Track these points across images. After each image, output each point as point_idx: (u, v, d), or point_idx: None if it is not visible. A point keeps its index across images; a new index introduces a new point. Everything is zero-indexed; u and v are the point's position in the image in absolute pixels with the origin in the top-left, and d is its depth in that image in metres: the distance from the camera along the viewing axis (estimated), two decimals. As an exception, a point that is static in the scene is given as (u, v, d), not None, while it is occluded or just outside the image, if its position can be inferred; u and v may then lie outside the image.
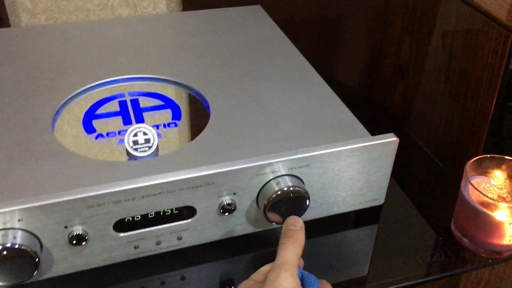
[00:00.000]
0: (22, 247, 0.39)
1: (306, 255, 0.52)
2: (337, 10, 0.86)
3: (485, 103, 0.59)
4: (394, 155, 0.50)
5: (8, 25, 0.80)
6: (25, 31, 0.67)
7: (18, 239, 0.39)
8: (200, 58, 0.62)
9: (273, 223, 0.48)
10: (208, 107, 0.53)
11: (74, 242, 0.42)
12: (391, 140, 0.49)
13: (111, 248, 0.44)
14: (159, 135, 0.49)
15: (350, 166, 0.49)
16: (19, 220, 0.39)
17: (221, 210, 0.46)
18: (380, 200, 0.53)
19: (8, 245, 0.39)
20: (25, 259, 0.40)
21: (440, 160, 0.67)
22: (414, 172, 0.66)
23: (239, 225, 0.48)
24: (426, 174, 0.66)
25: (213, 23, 0.70)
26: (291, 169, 0.46)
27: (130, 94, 0.55)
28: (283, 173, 0.46)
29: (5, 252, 0.39)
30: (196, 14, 0.74)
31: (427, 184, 0.64)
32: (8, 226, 0.39)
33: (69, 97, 0.53)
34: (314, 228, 0.55)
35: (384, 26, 0.81)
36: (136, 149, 0.45)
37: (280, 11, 0.82)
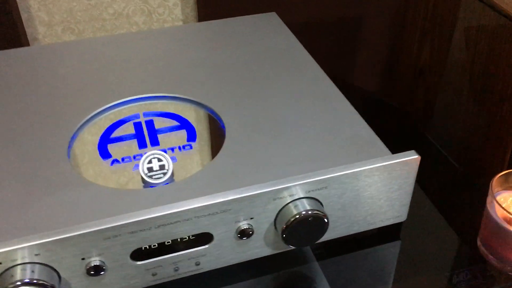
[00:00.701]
0: (40, 282, 0.39)
1: (327, 273, 0.51)
2: (354, 12, 0.84)
3: (511, 109, 0.57)
4: (416, 172, 0.49)
5: (26, 38, 0.81)
6: (36, 51, 0.67)
7: (36, 273, 0.39)
8: (215, 74, 0.61)
9: (291, 246, 0.47)
10: (224, 127, 0.52)
11: (92, 273, 0.42)
12: (412, 158, 0.47)
13: (129, 277, 0.44)
14: (174, 159, 0.49)
15: (370, 186, 0.47)
16: (36, 255, 0.39)
17: (239, 235, 0.45)
18: (402, 217, 0.52)
19: (27, 280, 0.39)
20: (44, 292, 0.40)
21: (463, 167, 0.65)
22: (437, 182, 0.64)
23: (258, 248, 0.47)
24: (449, 184, 0.64)
25: (228, 35, 0.69)
26: (309, 191, 0.45)
27: (145, 114, 0.54)
28: (301, 196, 0.45)
29: (24, 287, 0.39)
30: (211, 25, 0.73)
31: (450, 195, 0.62)
32: (26, 260, 0.39)
33: (84, 120, 0.53)
34: (336, 246, 0.54)
35: (403, 28, 0.79)
36: (151, 176, 0.45)
37: (296, 15, 0.80)
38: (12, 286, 0.38)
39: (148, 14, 0.86)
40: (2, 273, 0.39)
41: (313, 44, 0.66)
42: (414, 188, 0.50)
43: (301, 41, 0.67)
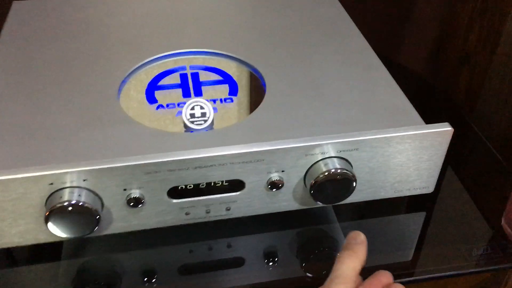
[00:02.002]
0: (86, 205, 0.43)
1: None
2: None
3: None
4: (447, 144, 0.49)
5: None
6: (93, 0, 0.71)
7: (83, 197, 0.43)
8: (261, 36, 0.63)
9: (319, 202, 0.49)
10: (265, 85, 0.55)
11: (132, 204, 0.45)
12: (445, 129, 0.48)
13: (165, 213, 0.47)
14: (215, 110, 0.51)
15: (401, 153, 0.49)
16: (84, 180, 0.43)
17: (269, 186, 0.48)
18: (429, 189, 0.53)
19: (74, 201, 0.43)
20: (87, 216, 0.44)
21: (501, 155, 0.65)
22: (472, 163, 0.65)
23: (286, 201, 0.50)
24: (484, 167, 0.64)
25: (276, 1, 0.71)
26: (340, 151, 0.47)
27: (192, 67, 0.57)
28: (332, 155, 0.47)
29: (70, 208, 0.43)
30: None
31: (483, 177, 0.62)
32: (75, 184, 0.43)
33: (135, 67, 0.56)
34: (360, 210, 0.56)
35: (454, 9, 0.78)
36: (192, 122, 0.48)
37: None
38: (60, 205, 0.42)
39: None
40: (52, 193, 0.43)
41: (362, 18, 0.67)
42: (447, 167, 0.51)
43: (350, 14, 0.68)
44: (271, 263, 0.51)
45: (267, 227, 0.53)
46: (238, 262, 0.51)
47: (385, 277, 0.40)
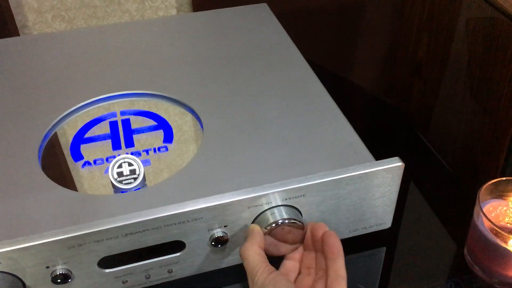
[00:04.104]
0: (2, 291, 0.38)
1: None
2: (352, 1, 0.81)
3: (505, 115, 0.54)
4: (400, 179, 0.46)
5: (14, 25, 0.79)
6: (14, 43, 0.65)
7: (-2, 282, 0.38)
8: (199, 71, 0.59)
9: (268, 254, 0.45)
10: (202, 127, 0.50)
11: (58, 281, 0.40)
12: (396, 165, 0.45)
13: (98, 284, 0.43)
14: (148, 162, 0.47)
15: (351, 193, 0.45)
16: (-2, 263, 0.38)
17: (213, 243, 0.43)
18: (386, 224, 0.50)
19: (-12, 289, 0.38)
20: (6, 302, 0.38)
21: (458, 172, 0.63)
22: (431, 187, 0.62)
23: (234, 255, 0.46)
24: (441, 190, 0.62)
25: (215, 27, 0.67)
26: (286, 199, 0.43)
27: (122, 113, 0.52)
28: (279, 203, 0.43)
29: (-16, 297, 0.37)
30: (199, 16, 0.70)
31: (441, 201, 0.60)
32: (-13, 269, 0.38)
33: (58, 118, 0.51)
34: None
35: (402, 20, 0.76)
36: (121, 181, 0.43)
37: (291, 3, 0.77)
38: (-29, 295, 0.37)
39: (141, 2, 0.84)
40: (-39, 281, 0.38)
41: (308, 36, 0.63)
42: (404, 191, 0.48)
43: (295, 33, 0.65)
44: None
45: (215, 283, 0.49)
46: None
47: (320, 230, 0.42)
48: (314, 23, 0.81)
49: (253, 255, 0.40)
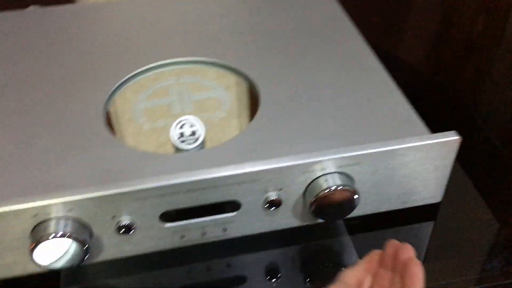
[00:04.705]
0: (73, 235, 0.41)
1: (356, 250, 0.51)
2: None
3: None
4: (455, 153, 0.47)
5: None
6: (80, 9, 0.68)
7: (69, 227, 0.41)
8: (255, 41, 0.60)
9: (319, 219, 0.46)
10: (259, 95, 0.52)
11: (122, 231, 0.43)
12: (452, 139, 0.45)
13: (158, 237, 0.45)
14: (207, 125, 0.49)
15: (405, 165, 0.46)
16: (70, 210, 0.41)
17: (267, 205, 0.45)
18: (437, 198, 0.51)
19: (60, 233, 0.40)
20: (75, 246, 0.41)
21: (508, 150, 0.62)
22: (481, 165, 0.62)
23: (285, 219, 0.47)
24: (492, 167, 0.61)
25: (272, 1, 0.68)
26: (341, 166, 0.44)
27: (181, 79, 0.54)
28: (332, 170, 0.44)
29: (56, 239, 0.40)
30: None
31: (492, 178, 0.59)
32: (60, 214, 0.41)
33: (121, 81, 0.54)
34: (367, 221, 0.53)
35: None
36: (182, 142, 0.45)
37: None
38: (45, 238, 0.40)
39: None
40: (37, 225, 0.41)
41: (358, 10, 0.63)
42: (454, 167, 0.48)
43: (346, 7, 0.65)
44: (273, 280, 0.48)
45: (266, 245, 0.51)
46: (239, 281, 0.48)
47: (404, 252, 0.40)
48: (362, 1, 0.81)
49: (352, 276, 0.40)
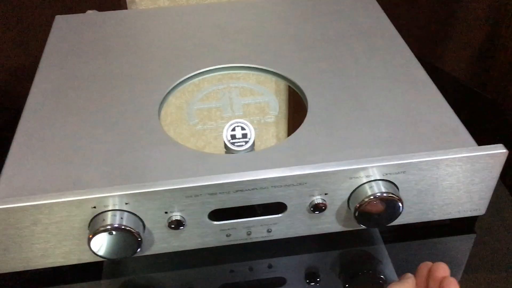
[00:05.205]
0: (128, 228, 0.43)
1: (395, 258, 0.51)
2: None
3: None
4: (501, 167, 0.47)
5: (124, 1, 0.85)
6: (133, 15, 0.71)
7: (125, 220, 0.43)
8: (302, 48, 0.62)
9: (362, 225, 0.47)
10: (306, 102, 0.53)
11: (173, 226, 0.45)
12: (499, 152, 0.45)
13: (205, 234, 0.47)
14: (256, 129, 0.50)
15: (450, 175, 0.46)
16: (126, 203, 0.43)
17: (311, 209, 0.46)
18: (481, 211, 0.51)
19: (116, 225, 0.43)
20: (129, 238, 0.44)
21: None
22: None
23: (328, 223, 0.48)
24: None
25: (318, 9, 0.69)
26: (386, 174, 0.45)
27: (232, 84, 0.56)
28: (378, 177, 0.45)
29: (113, 231, 0.43)
30: (302, -1, 0.73)
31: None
32: (117, 207, 0.43)
33: (174, 84, 0.56)
34: (407, 231, 0.54)
35: (506, 13, 0.74)
36: (233, 143, 0.47)
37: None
38: (102, 229, 0.42)
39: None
40: (95, 216, 0.43)
41: (404, 22, 0.64)
42: (497, 181, 0.48)
43: (392, 18, 0.66)
44: (312, 284, 0.50)
45: (308, 248, 0.52)
46: (279, 283, 0.50)
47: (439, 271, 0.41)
48: (409, 7, 0.81)
49: None
